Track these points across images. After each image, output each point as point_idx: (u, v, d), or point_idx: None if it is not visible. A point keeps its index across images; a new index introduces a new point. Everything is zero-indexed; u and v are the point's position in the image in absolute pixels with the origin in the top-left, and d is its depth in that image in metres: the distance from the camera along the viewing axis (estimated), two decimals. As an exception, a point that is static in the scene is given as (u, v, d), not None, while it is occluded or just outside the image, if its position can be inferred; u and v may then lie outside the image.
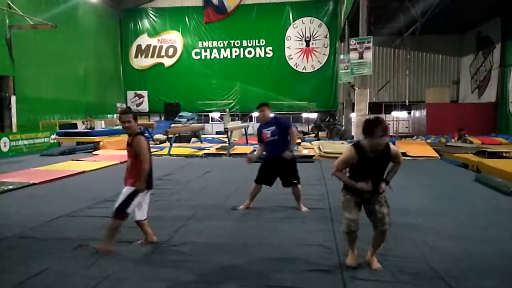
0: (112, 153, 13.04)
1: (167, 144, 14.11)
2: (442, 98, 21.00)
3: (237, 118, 25.74)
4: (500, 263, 3.54)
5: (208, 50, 27.18)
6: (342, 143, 14.70)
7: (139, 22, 27.52)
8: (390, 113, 23.30)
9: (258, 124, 5.67)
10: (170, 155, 12.55)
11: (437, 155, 11.60)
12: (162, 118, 26.19)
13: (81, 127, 19.03)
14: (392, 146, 3.40)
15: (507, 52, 18.28)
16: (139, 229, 4.09)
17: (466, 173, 8.97)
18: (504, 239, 4.19)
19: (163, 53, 27.41)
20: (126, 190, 3.87)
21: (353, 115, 18.62)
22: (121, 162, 10.96)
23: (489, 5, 17.36)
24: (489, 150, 10.48)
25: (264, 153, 5.59)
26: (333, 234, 4.34)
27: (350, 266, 3.40)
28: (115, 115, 26.56)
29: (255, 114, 26.79)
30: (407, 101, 21.19)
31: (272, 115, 5.70)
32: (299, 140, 15.14)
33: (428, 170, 9.21)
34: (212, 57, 27.17)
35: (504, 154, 10.06)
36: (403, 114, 24.15)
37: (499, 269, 3.40)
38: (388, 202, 3.43)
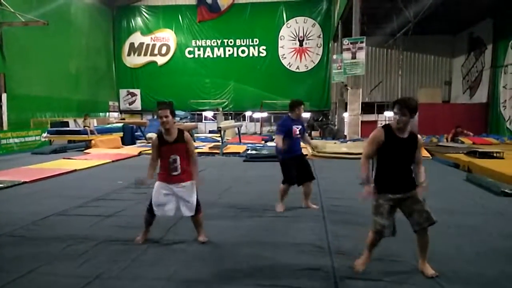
0: (104, 152, 12.97)
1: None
2: (434, 98, 21.13)
3: (230, 117, 25.73)
4: (491, 262, 3.57)
5: (201, 48, 27.12)
6: (335, 143, 14.75)
7: (132, 20, 27.39)
8: (382, 113, 23.42)
9: (283, 119, 5.49)
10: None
11: (428, 155, 11.67)
12: (155, 117, 26.10)
13: (76, 126, 18.83)
14: (419, 135, 3.34)
15: (498, 53, 18.45)
16: (135, 228, 4.10)
17: (457, 173, 9.03)
18: (495, 239, 4.23)
19: (156, 52, 27.30)
20: (190, 185, 3.92)
21: (346, 115, 18.70)
22: (113, 161, 10.91)
23: (481, 6, 17.50)
24: (480, 150, 10.55)
25: (285, 149, 5.38)
26: (326, 233, 4.36)
27: (357, 269, 3.30)
28: (107, 113, 26.44)
29: (248, 113, 26.84)
30: (399, 101, 21.27)
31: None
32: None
33: (420, 169, 9.25)
34: (206, 56, 27.12)
35: (495, 154, 10.14)
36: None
37: (490, 267, 3.43)
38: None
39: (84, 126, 15.48)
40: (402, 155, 3.24)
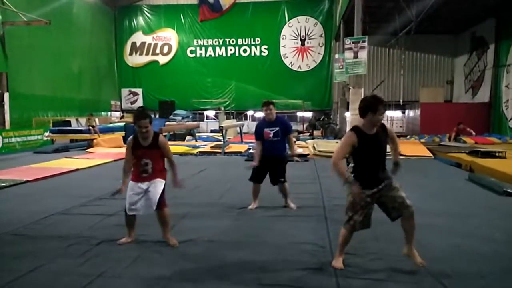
0: (106, 151, 12.99)
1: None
2: (436, 98, 21.11)
3: (232, 116, 25.71)
4: (492, 262, 3.56)
5: (203, 48, 27.11)
6: (337, 142, 14.74)
7: (134, 20, 27.39)
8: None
9: (258, 122, 5.53)
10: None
11: (430, 154, 11.66)
12: (157, 116, 26.05)
13: (78, 126, 18.77)
14: (387, 125, 3.45)
15: (500, 53, 18.41)
16: (137, 227, 4.15)
17: (459, 172, 9.02)
18: (497, 238, 4.22)
19: (158, 51, 27.30)
20: (159, 182, 3.93)
21: (347, 114, 18.67)
22: (115, 160, 10.92)
23: (483, 6, 17.46)
24: (482, 149, 10.54)
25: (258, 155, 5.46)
26: (327, 233, 4.36)
27: (340, 267, 3.36)
28: (109, 113, 26.46)
29: (250, 113, 26.83)
30: (401, 100, 21.29)
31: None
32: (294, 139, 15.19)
33: (422, 169, 9.25)
34: (207, 55, 27.11)
35: (497, 154, 10.13)
36: (397, 114, 24.27)
37: (492, 268, 3.42)
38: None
39: (88, 126, 15.39)
40: (375, 150, 3.34)
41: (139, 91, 27.64)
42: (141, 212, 3.92)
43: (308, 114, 25.65)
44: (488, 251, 3.82)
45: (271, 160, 5.39)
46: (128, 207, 3.90)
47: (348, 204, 3.37)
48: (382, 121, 3.35)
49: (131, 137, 3.99)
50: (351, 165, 3.40)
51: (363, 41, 15.05)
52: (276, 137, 5.34)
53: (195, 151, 12.96)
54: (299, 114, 26.87)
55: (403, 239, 3.42)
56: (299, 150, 12.76)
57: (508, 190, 6.36)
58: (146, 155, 3.88)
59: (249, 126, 26.29)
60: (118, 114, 26.98)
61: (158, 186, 3.90)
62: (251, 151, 12.34)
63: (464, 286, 3.09)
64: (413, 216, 3.32)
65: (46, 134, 15.22)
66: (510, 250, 3.86)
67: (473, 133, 14.96)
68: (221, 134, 14.12)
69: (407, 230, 3.37)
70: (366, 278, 3.19)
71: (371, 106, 3.23)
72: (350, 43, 15.28)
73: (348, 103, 17.82)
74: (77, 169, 9.21)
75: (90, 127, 15.17)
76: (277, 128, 5.35)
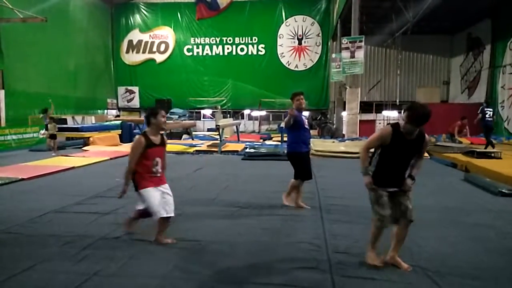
0: (102, 149, 12.95)
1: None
2: (432, 98, 21.16)
3: (228, 115, 25.72)
4: (487, 261, 3.58)
5: (200, 46, 27.09)
6: (333, 142, 14.76)
7: (131, 17, 27.35)
8: (380, 112, 23.44)
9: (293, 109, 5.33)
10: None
11: (426, 154, 11.69)
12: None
13: (74, 124, 18.70)
14: (427, 136, 3.34)
15: (496, 53, 18.49)
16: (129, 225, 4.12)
17: (455, 172, 9.05)
18: (491, 238, 4.24)
19: (154, 49, 27.27)
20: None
21: (344, 114, 18.71)
22: (111, 158, 10.89)
23: (480, 7, 17.53)
24: (478, 150, 10.59)
25: (294, 143, 5.41)
26: (323, 232, 4.36)
27: (378, 266, 3.35)
28: (105, 111, 26.38)
29: (246, 112, 26.84)
30: (397, 100, 21.33)
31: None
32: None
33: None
34: (204, 53, 27.10)
35: (493, 154, 10.17)
36: (393, 114, 24.29)
37: (486, 267, 3.44)
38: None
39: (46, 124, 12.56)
40: (405, 155, 3.31)
41: (135, 89, 27.60)
42: (172, 214, 3.91)
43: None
44: (483, 251, 3.84)
45: (307, 153, 5.41)
46: (161, 209, 3.78)
47: (373, 199, 3.36)
48: (423, 130, 3.27)
49: (139, 136, 3.88)
50: (376, 158, 3.37)
51: (360, 41, 15.10)
52: (308, 126, 5.46)
53: (192, 149, 12.94)
54: (296, 113, 26.85)
55: (390, 247, 3.43)
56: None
57: (503, 191, 6.39)
58: (157, 153, 3.87)
59: (246, 125, 26.35)
60: (114, 112, 26.91)
61: (170, 193, 3.96)
62: (248, 150, 12.34)
63: (459, 285, 3.10)
64: (407, 227, 3.35)
65: (42, 132, 15.13)
66: (505, 250, 3.88)
67: (468, 134, 15.01)
68: (218, 133, 14.11)
69: (398, 238, 3.38)
70: (362, 277, 3.20)
71: (419, 120, 3.12)
72: (347, 43, 15.32)
73: (345, 102, 17.85)
74: (73, 167, 9.17)
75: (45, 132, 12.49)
76: (306, 120, 5.49)
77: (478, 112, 12.21)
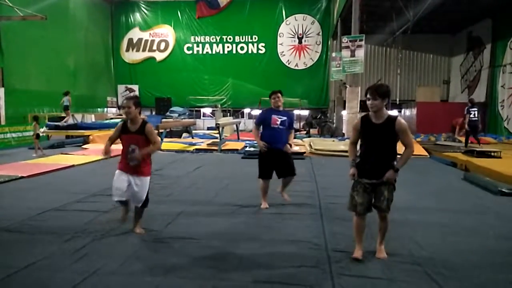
0: (102, 147, 12.94)
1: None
2: (432, 97, 21.16)
3: (228, 114, 25.72)
4: (486, 260, 3.58)
5: (200, 45, 27.07)
6: (333, 140, 14.75)
7: (131, 16, 27.32)
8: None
9: (263, 109, 5.41)
10: (161, 150, 12.48)
11: (426, 153, 11.69)
12: (153, 113, 26.04)
13: (74, 122, 18.59)
14: (400, 119, 3.39)
15: (497, 53, 18.49)
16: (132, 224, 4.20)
17: (455, 171, 9.06)
18: (492, 238, 4.24)
19: (154, 47, 27.25)
20: (145, 182, 4.12)
21: (344, 113, 18.70)
22: (110, 157, 10.86)
23: (480, 6, 17.52)
24: (477, 149, 10.59)
25: (263, 142, 5.33)
26: (322, 231, 4.37)
27: (357, 259, 3.46)
28: (105, 109, 26.37)
29: (246, 110, 26.82)
30: (397, 99, 21.33)
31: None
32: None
33: (417, 168, 9.26)
34: (204, 52, 27.07)
35: (493, 154, 10.18)
36: (393, 113, 24.32)
37: (485, 266, 3.44)
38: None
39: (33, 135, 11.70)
40: (377, 140, 3.40)
41: (135, 87, 27.57)
42: (123, 199, 4.11)
43: (305, 112, 25.66)
44: (483, 250, 3.84)
45: (276, 152, 5.29)
46: (114, 192, 4.09)
47: (351, 186, 3.56)
48: (378, 112, 3.37)
49: (121, 121, 4.20)
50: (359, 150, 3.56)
51: (360, 40, 15.10)
52: (283, 126, 5.35)
53: (192, 148, 12.93)
54: (296, 112, 26.85)
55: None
56: (296, 148, 12.79)
57: (503, 190, 6.40)
58: (133, 139, 4.06)
59: (246, 123, 26.33)
60: (114, 110, 26.90)
61: (145, 185, 4.10)
62: (248, 148, 12.35)
63: (459, 284, 3.10)
64: (385, 220, 3.51)
65: (42, 130, 15.12)
66: (504, 249, 3.88)
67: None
68: (217, 132, 14.10)
69: (379, 228, 3.58)
70: (361, 276, 3.20)
71: (366, 93, 3.40)
72: (347, 42, 15.31)
73: (345, 101, 17.85)
74: (73, 165, 9.17)
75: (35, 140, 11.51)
76: (285, 118, 5.40)
77: (465, 112, 12.31)
